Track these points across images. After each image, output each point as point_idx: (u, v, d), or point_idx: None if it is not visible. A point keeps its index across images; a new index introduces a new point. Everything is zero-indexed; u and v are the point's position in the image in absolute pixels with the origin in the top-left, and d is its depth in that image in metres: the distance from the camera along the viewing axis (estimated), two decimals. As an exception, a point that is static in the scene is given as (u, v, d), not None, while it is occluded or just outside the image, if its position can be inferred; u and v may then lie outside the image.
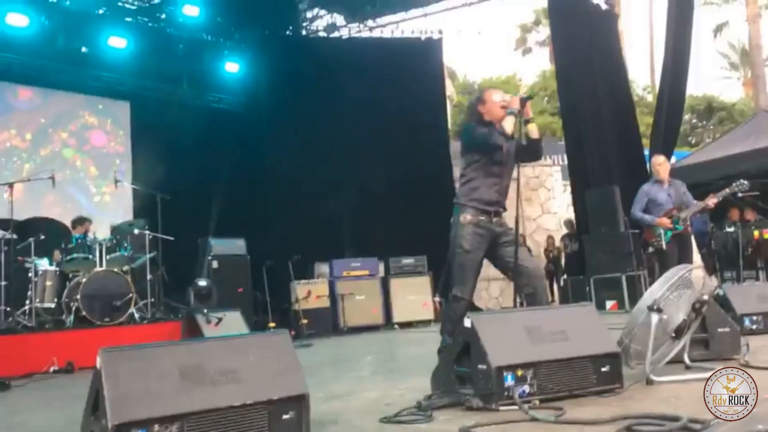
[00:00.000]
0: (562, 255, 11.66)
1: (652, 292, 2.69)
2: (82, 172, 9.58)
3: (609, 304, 8.15)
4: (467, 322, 2.54)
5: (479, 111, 3.61)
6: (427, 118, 10.80)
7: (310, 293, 8.33)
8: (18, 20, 8.25)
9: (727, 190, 5.63)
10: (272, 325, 7.90)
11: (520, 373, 2.40)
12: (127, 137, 9.95)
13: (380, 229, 9.51)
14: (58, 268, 6.40)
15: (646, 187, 6.11)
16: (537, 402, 2.37)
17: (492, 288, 12.45)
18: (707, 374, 2.61)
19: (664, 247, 5.71)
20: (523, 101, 3.50)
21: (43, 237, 6.43)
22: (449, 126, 13.06)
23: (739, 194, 5.83)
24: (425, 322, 8.71)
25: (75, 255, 6.44)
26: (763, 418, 1.78)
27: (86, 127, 9.71)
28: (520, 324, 2.59)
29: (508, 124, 3.44)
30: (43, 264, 6.38)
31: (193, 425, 2.03)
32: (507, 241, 3.43)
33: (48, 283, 6.22)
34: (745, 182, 5.60)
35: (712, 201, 5.70)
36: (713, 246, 8.52)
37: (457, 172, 12.73)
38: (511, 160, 3.56)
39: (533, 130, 3.60)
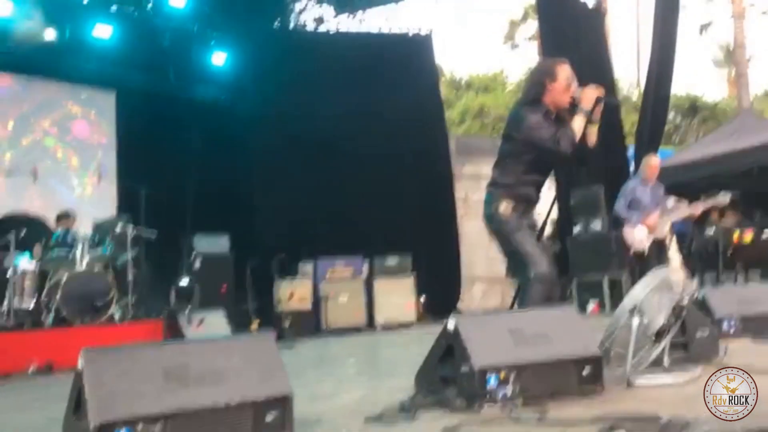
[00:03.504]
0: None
1: (633, 295, 2.72)
2: (64, 164, 9.41)
3: (591, 306, 8.12)
4: (450, 324, 2.56)
5: (545, 87, 3.09)
6: (420, 116, 10.60)
7: (293, 295, 8.21)
8: (0, 8, 8.12)
9: (712, 201, 5.78)
10: (255, 325, 7.82)
11: (503, 374, 2.42)
12: (111, 128, 9.76)
13: (367, 226, 9.37)
14: (37, 267, 6.23)
15: (632, 184, 6.18)
16: (520, 403, 2.39)
17: (475, 290, 12.43)
18: (686, 377, 2.68)
19: (645, 250, 5.81)
20: (599, 101, 3.04)
21: (23, 234, 6.27)
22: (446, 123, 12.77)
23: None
24: (408, 324, 8.64)
25: (55, 253, 6.30)
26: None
27: (69, 117, 9.51)
28: (503, 326, 2.62)
29: (580, 127, 3.00)
30: (24, 259, 6.22)
31: (177, 425, 2.03)
32: (536, 235, 3.26)
33: (27, 282, 6.06)
34: (729, 194, 5.78)
35: (697, 209, 5.83)
36: (694, 247, 8.59)
37: (457, 170, 12.27)
38: None
39: (592, 136, 3.10)
